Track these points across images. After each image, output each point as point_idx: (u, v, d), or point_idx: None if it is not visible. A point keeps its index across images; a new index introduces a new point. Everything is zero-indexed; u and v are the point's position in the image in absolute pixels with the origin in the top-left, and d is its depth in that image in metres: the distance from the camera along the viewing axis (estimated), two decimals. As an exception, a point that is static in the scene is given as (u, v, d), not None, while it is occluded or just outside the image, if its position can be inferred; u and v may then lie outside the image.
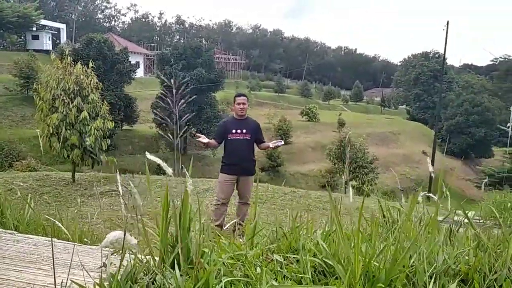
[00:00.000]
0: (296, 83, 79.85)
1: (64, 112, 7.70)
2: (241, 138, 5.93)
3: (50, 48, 50.97)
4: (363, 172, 19.02)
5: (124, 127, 32.40)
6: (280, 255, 1.46)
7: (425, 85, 63.27)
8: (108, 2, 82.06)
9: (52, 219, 2.51)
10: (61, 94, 7.79)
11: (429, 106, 61.52)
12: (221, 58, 67.21)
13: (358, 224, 1.47)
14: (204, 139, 5.72)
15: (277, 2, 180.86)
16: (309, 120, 45.18)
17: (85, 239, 2.94)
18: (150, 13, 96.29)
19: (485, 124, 46.27)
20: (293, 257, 1.45)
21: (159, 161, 1.60)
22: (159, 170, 19.53)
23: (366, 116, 54.75)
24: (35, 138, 28.07)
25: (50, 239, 1.60)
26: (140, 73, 46.66)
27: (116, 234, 1.29)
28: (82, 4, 76.69)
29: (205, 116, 31.24)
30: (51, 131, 7.73)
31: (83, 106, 8.01)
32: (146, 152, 1.65)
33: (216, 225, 5.98)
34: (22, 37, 51.10)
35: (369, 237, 1.64)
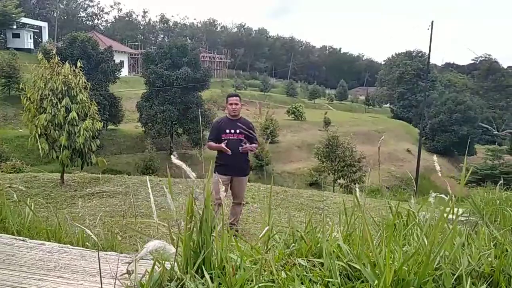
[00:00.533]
0: (281, 82, 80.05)
1: (52, 113, 7.55)
2: (235, 138, 5.89)
3: (32, 46, 50.09)
4: (351, 171, 19.14)
5: (109, 127, 32.02)
6: (303, 259, 1.45)
7: (408, 84, 64.07)
8: (91, 0, 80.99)
9: (79, 226, 2.46)
10: (49, 94, 7.64)
11: (413, 104, 62.29)
12: (206, 57, 66.91)
13: (390, 228, 1.46)
14: (217, 145, 5.70)
15: (262, 1, 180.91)
16: (295, 119, 45.34)
17: (87, 243, 2.89)
18: (133, 12, 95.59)
19: (468, 122, 47.09)
20: (316, 261, 1.44)
21: (183, 165, 1.56)
22: (146, 171, 19.20)
23: (351, 115, 55.21)
24: (18, 138, 27.58)
25: (64, 245, 1.55)
26: (124, 72, 46.14)
27: (155, 243, 1.25)
28: (64, 2, 75.42)
29: (191, 115, 31.06)
30: (39, 132, 7.57)
31: (71, 107, 7.87)
32: (172, 156, 1.61)
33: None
34: (2, 35, 50.01)
35: (390, 239, 1.63)
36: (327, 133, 24.26)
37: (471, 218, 8.11)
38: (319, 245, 1.58)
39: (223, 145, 5.65)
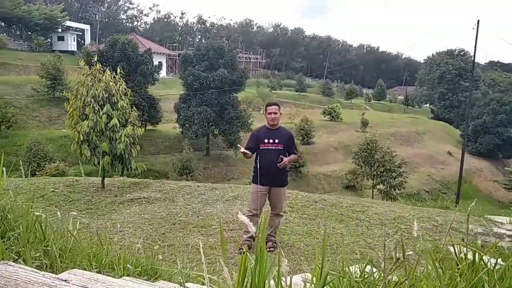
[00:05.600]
0: (317, 81, 79.28)
1: (94, 119, 7.72)
2: (273, 148, 5.78)
3: (75, 49, 51.95)
4: (390, 176, 18.55)
5: (148, 127, 32.70)
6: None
7: (449, 83, 61.91)
8: (131, 3, 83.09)
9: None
10: (91, 101, 7.81)
11: (454, 105, 60.21)
12: (242, 57, 67.22)
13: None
14: (243, 149, 5.66)
15: (298, 1, 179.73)
16: (331, 119, 44.66)
17: (128, 265, 2.86)
18: (171, 13, 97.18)
19: (514, 124, 45.06)
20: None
21: (246, 220, 1.39)
22: (183, 171, 19.49)
23: (389, 116, 53.91)
24: (61, 138, 28.64)
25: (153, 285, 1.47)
26: (162, 73, 47.03)
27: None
28: (106, 5, 77.75)
29: (227, 116, 31.24)
30: (82, 138, 7.75)
31: (112, 113, 8.02)
32: (239, 213, 1.48)
33: (248, 237, 5.88)
34: (48, 39, 52.15)
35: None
36: (364, 135, 23.66)
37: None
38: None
39: (243, 149, 5.62)
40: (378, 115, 53.04)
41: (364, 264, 1.67)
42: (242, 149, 5.67)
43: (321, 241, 5.96)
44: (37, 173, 15.83)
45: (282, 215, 6.19)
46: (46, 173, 12.44)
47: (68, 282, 1.53)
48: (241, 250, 5.73)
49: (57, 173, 12.78)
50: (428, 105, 71.41)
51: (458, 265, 1.91)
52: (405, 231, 6.63)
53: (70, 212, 7.28)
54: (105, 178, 8.94)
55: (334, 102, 51.92)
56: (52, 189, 8.16)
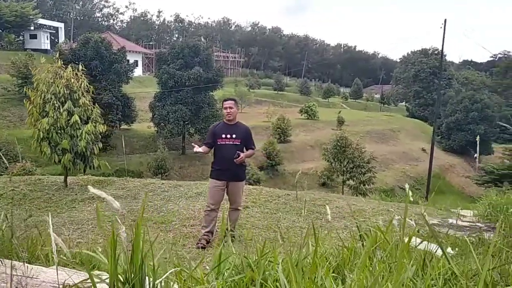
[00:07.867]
0: (295, 80, 79.68)
1: (54, 117, 7.60)
2: (230, 143, 5.82)
3: (49, 47, 50.86)
4: (360, 172, 18.86)
5: (122, 127, 32.28)
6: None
7: (424, 82, 63.18)
8: (107, 1, 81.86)
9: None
10: (51, 98, 7.69)
11: (429, 103, 61.42)
12: (220, 56, 67.02)
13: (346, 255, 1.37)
14: (197, 148, 5.72)
15: (276, 0, 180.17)
16: (308, 118, 45.01)
17: (62, 256, 2.84)
18: (148, 12, 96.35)
19: (485, 121, 46.18)
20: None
21: (105, 195, 1.47)
22: (157, 171, 19.27)
23: (365, 114, 54.62)
24: (32, 138, 28.05)
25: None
26: (138, 71, 46.52)
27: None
28: (80, 3, 76.42)
29: (203, 115, 31.14)
30: (41, 136, 7.63)
31: (74, 110, 7.91)
32: (89, 187, 1.53)
33: (206, 232, 5.91)
34: (20, 37, 50.92)
35: (340, 266, 1.55)
36: (337, 133, 23.96)
37: (478, 224, 7.82)
38: (265, 273, 1.50)
39: (197, 147, 5.72)
40: (354, 113, 53.69)
41: (263, 245, 1.72)
42: (196, 148, 5.75)
43: (279, 235, 6.04)
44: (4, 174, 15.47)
45: (240, 209, 6.24)
46: (12, 173, 12.21)
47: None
48: (199, 244, 5.76)
49: (23, 173, 12.51)
50: (403, 103, 72.66)
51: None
52: (363, 223, 6.77)
53: (29, 210, 7.19)
54: (69, 177, 8.83)
55: (312, 101, 52.25)
56: (12, 188, 8.02)
